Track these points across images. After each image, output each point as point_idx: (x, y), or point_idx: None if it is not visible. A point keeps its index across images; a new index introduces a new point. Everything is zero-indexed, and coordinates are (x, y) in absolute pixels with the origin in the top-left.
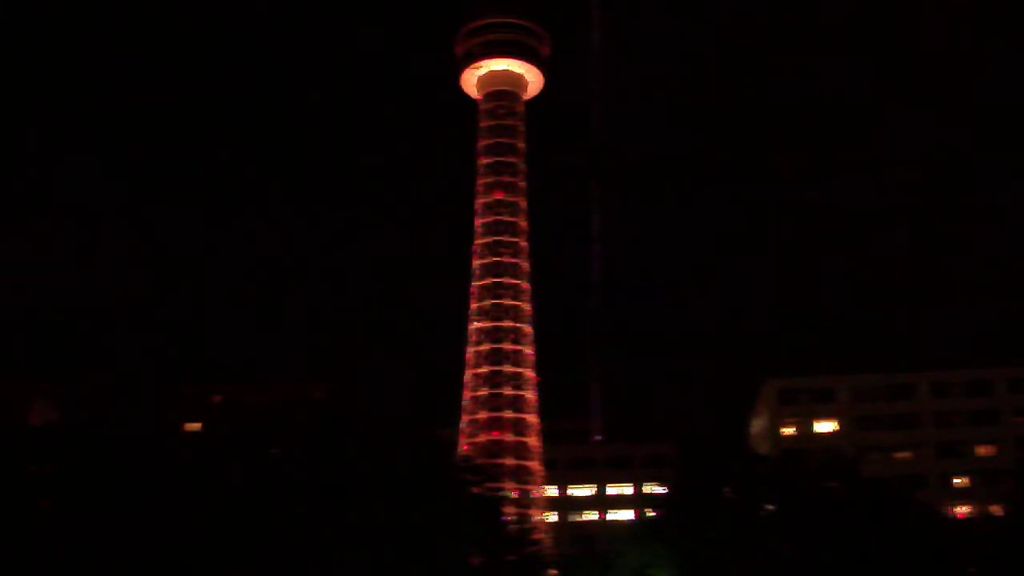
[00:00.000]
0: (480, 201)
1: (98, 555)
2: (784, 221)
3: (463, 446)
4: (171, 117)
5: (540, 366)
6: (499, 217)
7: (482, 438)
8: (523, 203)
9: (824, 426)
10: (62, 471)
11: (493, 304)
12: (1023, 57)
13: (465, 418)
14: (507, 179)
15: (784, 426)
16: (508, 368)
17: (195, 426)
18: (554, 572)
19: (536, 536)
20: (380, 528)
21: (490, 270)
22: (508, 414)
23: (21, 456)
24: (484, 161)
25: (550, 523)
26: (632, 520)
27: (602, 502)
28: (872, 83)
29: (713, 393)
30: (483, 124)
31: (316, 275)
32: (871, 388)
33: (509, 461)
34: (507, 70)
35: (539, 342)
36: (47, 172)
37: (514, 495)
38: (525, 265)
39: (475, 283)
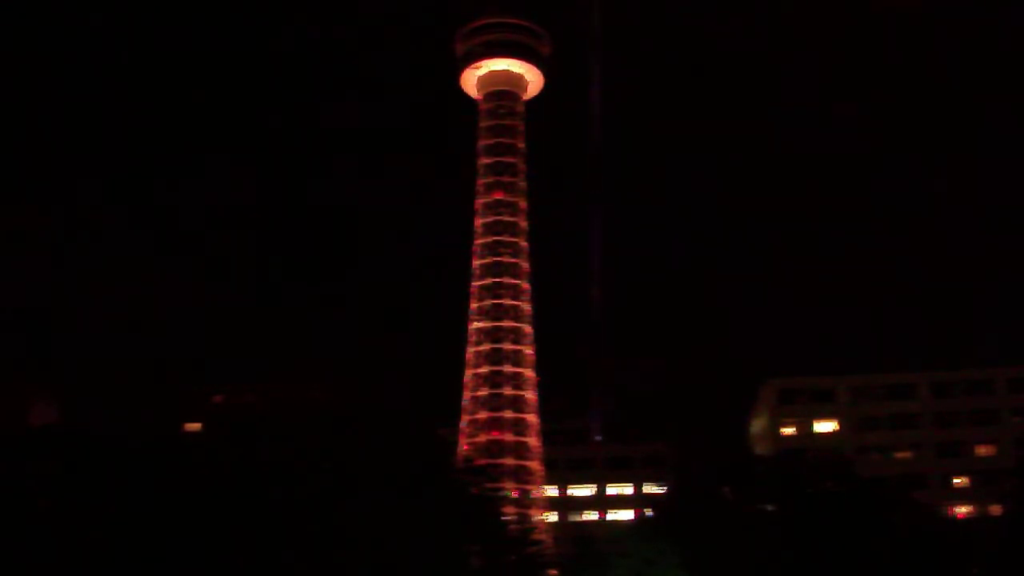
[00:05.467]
0: (480, 201)
1: (98, 555)
2: (784, 220)
3: (463, 446)
4: (168, 119)
5: (540, 366)
6: (499, 217)
7: (482, 438)
8: (523, 203)
9: (824, 426)
10: (62, 471)
11: (493, 304)
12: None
13: (465, 418)
14: (507, 179)
15: (784, 426)
16: (508, 368)
17: (195, 426)
18: (554, 572)
19: (536, 536)
20: (380, 528)
21: (490, 270)
22: (508, 414)
23: (21, 456)
24: (484, 161)
25: (550, 523)
26: (632, 520)
27: (602, 502)
28: (873, 82)
29: (713, 393)
30: (483, 124)
31: (316, 274)
32: (871, 388)
33: (509, 461)
34: (507, 70)
35: (539, 342)
36: (44, 169)
37: (514, 495)
38: (525, 265)
39: (475, 283)
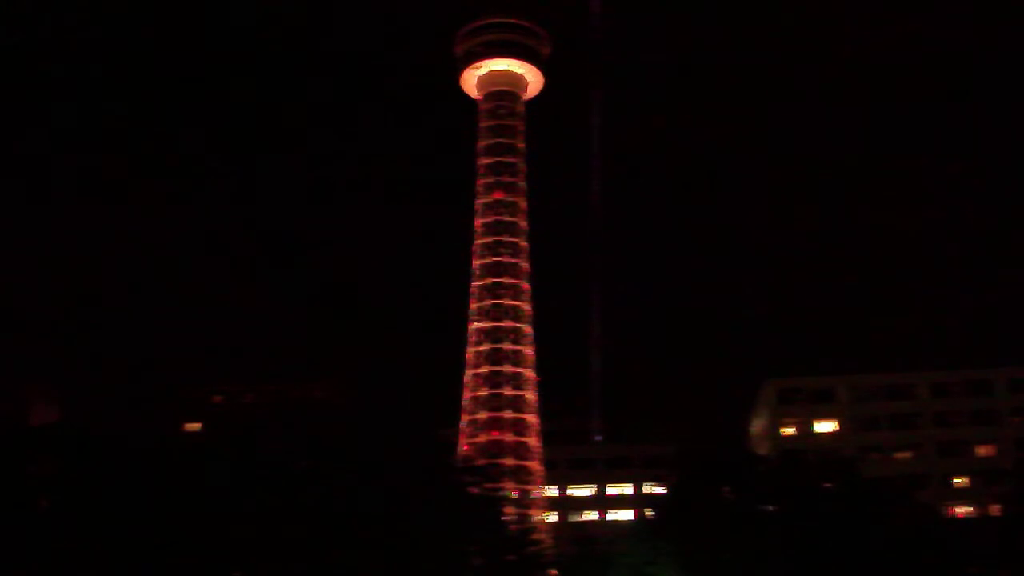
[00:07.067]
0: (480, 201)
1: (98, 555)
2: (784, 220)
3: (463, 446)
4: (169, 113)
5: (540, 366)
6: (499, 217)
7: (482, 438)
8: (523, 203)
9: (824, 426)
10: (62, 471)
11: (493, 304)
12: (1019, 55)
13: (465, 418)
14: (507, 179)
15: (784, 426)
16: (508, 368)
17: (195, 426)
18: (554, 572)
19: (536, 536)
20: (380, 528)
21: (490, 270)
22: (508, 414)
23: (21, 456)
24: (484, 161)
25: (550, 523)
26: (632, 520)
27: (602, 502)
28: (874, 82)
29: (713, 393)
30: (483, 124)
31: (316, 274)
32: (871, 388)
33: (509, 461)
34: (507, 70)
35: (539, 342)
36: (44, 170)
37: (514, 495)
38: (525, 265)
39: (475, 283)
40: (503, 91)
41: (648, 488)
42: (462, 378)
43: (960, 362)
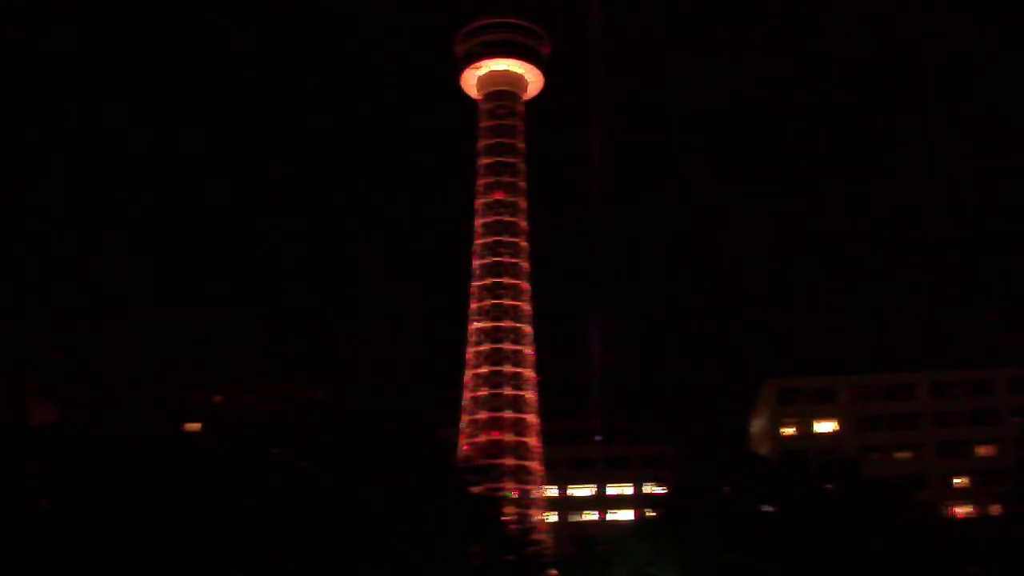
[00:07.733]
0: (480, 201)
1: (97, 555)
2: (784, 220)
3: (463, 446)
4: (170, 113)
5: (540, 366)
6: (499, 217)
7: (482, 438)
8: (523, 203)
9: (824, 426)
10: (62, 471)
11: (493, 304)
12: (1019, 57)
13: (465, 418)
14: (507, 179)
15: (784, 426)
16: (508, 368)
17: (195, 426)
18: (554, 572)
19: (536, 536)
20: (380, 528)
21: (490, 270)
22: (508, 414)
23: (21, 456)
24: (484, 161)
25: (550, 523)
26: (632, 520)
27: (602, 502)
28: (875, 81)
29: (713, 393)
30: (483, 124)
31: (315, 274)
32: (871, 388)
33: (509, 461)
34: (507, 70)
35: (539, 342)
36: (44, 170)
37: (514, 495)
38: (525, 265)
39: (475, 283)
40: (503, 91)
41: (648, 488)
42: (462, 378)
43: (960, 362)
